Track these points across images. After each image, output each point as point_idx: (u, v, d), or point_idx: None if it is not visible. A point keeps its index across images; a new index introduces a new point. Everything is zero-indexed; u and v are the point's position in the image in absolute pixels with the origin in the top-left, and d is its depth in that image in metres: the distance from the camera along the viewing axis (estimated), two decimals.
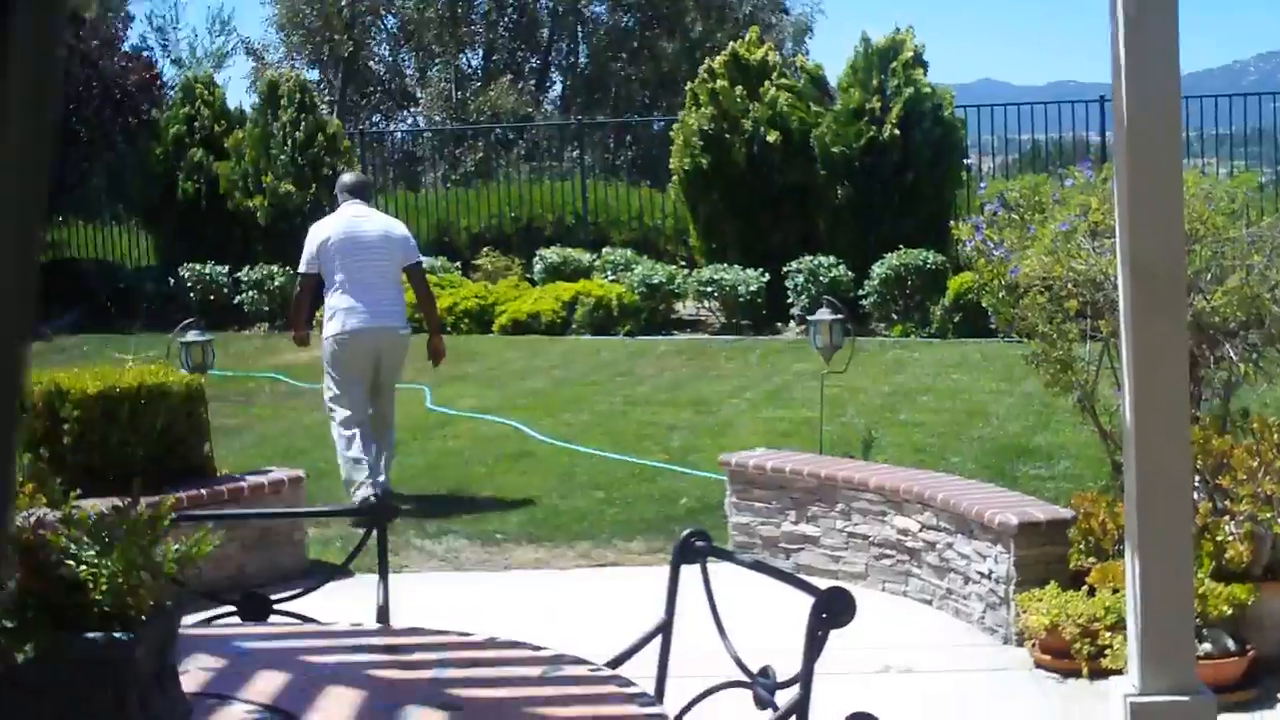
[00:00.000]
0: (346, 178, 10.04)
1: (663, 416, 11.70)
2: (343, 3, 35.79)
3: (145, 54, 28.87)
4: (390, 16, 38.65)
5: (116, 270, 19.89)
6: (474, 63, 39.24)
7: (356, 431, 9.24)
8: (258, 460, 10.21)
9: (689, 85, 17.59)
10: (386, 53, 39.98)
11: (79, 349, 16.42)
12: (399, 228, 9.77)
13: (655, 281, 16.41)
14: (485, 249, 19.18)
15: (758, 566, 3.90)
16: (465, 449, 10.89)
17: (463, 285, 17.50)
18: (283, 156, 18.49)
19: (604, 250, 18.08)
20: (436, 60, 38.67)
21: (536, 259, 18.06)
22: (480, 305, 16.83)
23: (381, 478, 9.32)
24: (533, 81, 38.51)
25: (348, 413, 9.27)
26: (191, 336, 10.17)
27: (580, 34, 38.92)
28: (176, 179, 19.10)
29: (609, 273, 17.28)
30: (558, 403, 12.37)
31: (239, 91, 64.01)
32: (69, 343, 17.16)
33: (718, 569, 3.78)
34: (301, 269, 9.59)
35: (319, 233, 9.48)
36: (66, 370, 8.30)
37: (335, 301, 9.35)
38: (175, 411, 7.99)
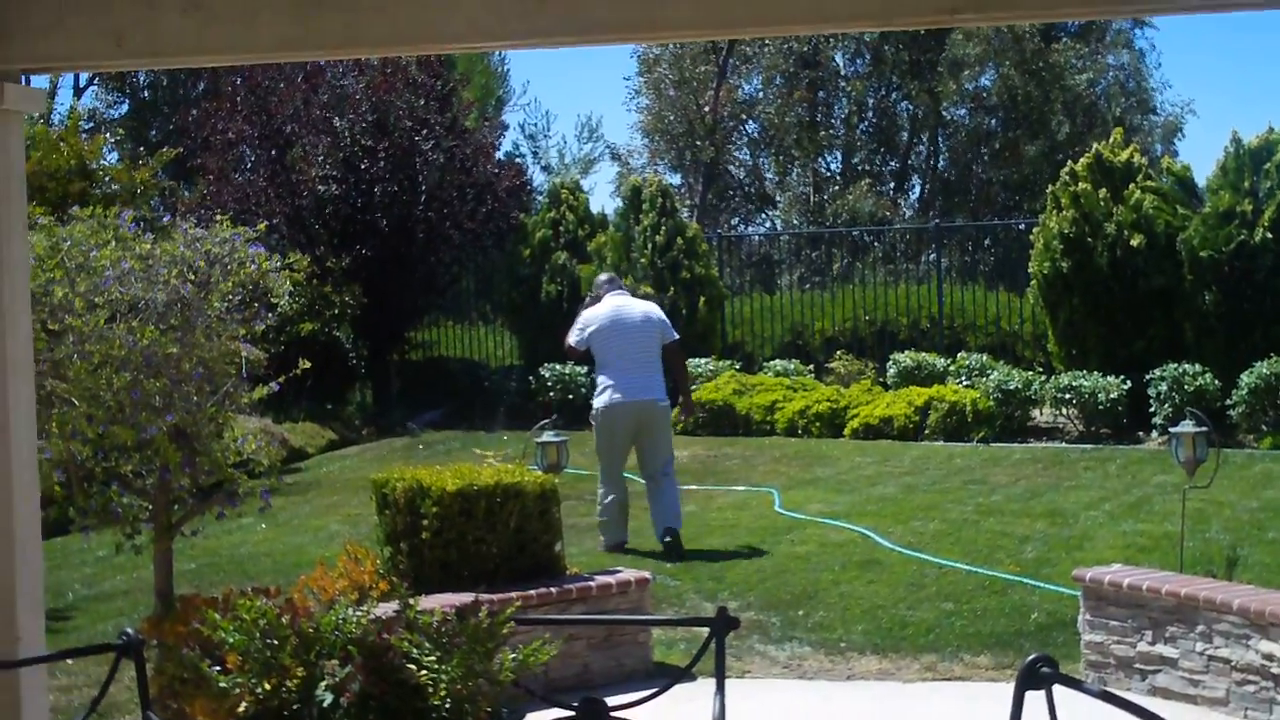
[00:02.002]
0: (603, 276, 11.82)
1: (1016, 527, 11.42)
2: (706, 109, 36.51)
3: (517, 160, 30.05)
4: (751, 121, 39.22)
5: (481, 369, 20.55)
6: (833, 166, 39.46)
7: (614, 496, 10.99)
8: (607, 560, 10.38)
9: (1050, 188, 17.28)
10: (747, 156, 40.56)
11: (442, 445, 17.03)
12: (656, 311, 11.37)
13: (1011, 387, 16.09)
14: (839, 352, 19.17)
15: (1106, 697, 3.76)
16: (812, 554, 10.83)
17: (815, 389, 17.50)
18: (642, 259, 18.89)
19: (959, 355, 17.84)
20: (795, 163, 39.03)
21: (890, 363, 17.95)
22: (832, 409, 16.81)
23: (672, 526, 10.86)
24: (891, 184, 38.49)
25: (609, 481, 11.03)
26: (548, 437, 10.44)
27: (940, 136, 38.74)
28: (540, 281, 19.72)
29: (964, 378, 17.04)
30: (908, 510, 12.22)
31: (603, 196, 65.86)
32: (434, 438, 17.81)
33: (1064, 695, 3.65)
34: (570, 341, 11.26)
35: (590, 318, 11.16)
36: (429, 468, 8.63)
37: (604, 378, 11.05)
38: (529, 510, 8.21)
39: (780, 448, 15.90)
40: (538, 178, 38.27)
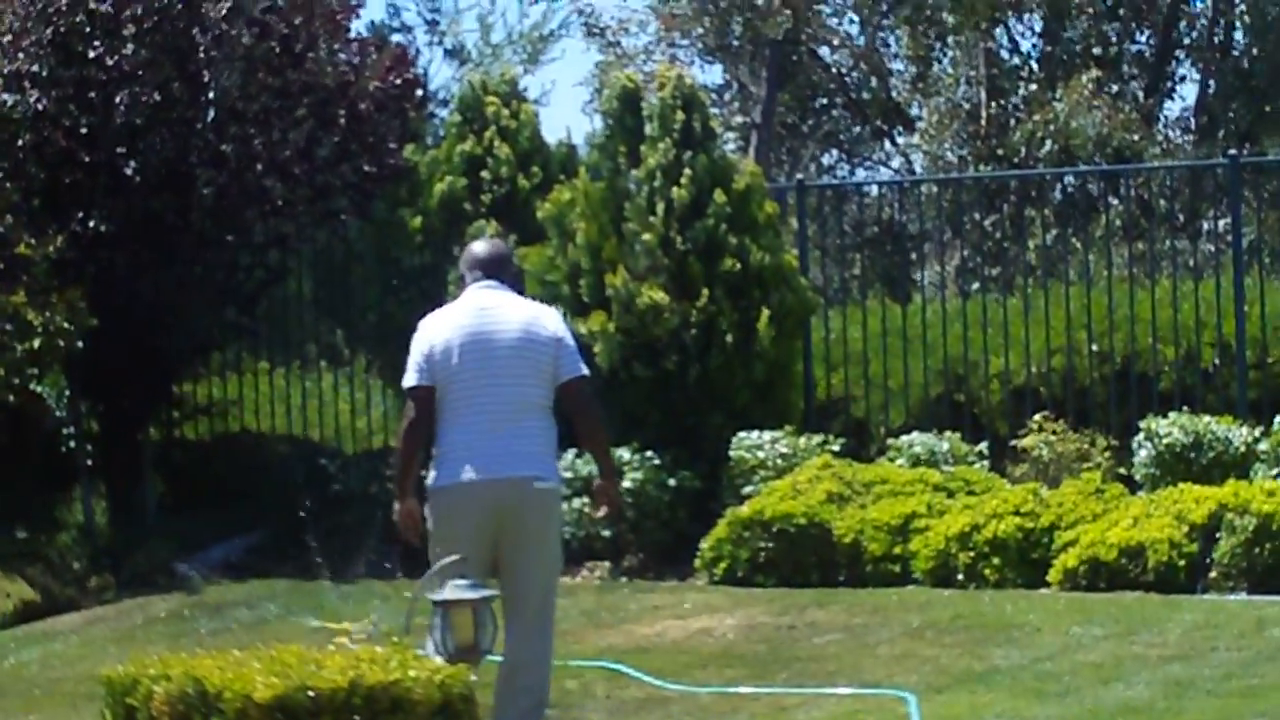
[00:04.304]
0: (477, 248, 12.22)
1: None
2: None
3: (396, 40, 30.05)
4: None
5: (324, 455, 20.47)
6: (1025, 47, 39.58)
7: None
8: None
9: None
10: (855, 31, 40.71)
11: (247, 609, 17.03)
12: (548, 323, 11.84)
13: None
14: (1037, 417, 19.15)
15: None
16: None
17: (991, 489, 17.48)
18: (646, 234, 18.84)
19: (1278, 419, 17.81)
20: (950, 44, 39.11)
21: (1140, 437, 17.93)
22: (1022, 530, 16.74)
23: None
24: (1140, 84, 38.59)
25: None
26: (455, 590, 10.35)
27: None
28: (444, 278, 19.65)
29: None
30: None
31: (567, 107, 66.34)
32: (231, 595, 17.82)
33: None
34: (408, 382, 11.62)
35: (428, 333, 11.62)
36: (218, 655, 8.57)
37: (444, 440, 11.54)
38: None
39: (922, 609, 15.88)
40: (440, 73, 38.41)
